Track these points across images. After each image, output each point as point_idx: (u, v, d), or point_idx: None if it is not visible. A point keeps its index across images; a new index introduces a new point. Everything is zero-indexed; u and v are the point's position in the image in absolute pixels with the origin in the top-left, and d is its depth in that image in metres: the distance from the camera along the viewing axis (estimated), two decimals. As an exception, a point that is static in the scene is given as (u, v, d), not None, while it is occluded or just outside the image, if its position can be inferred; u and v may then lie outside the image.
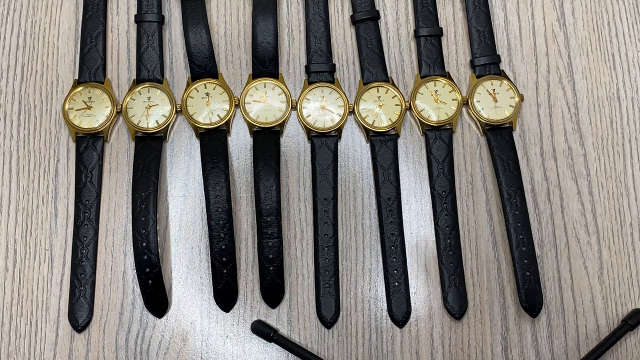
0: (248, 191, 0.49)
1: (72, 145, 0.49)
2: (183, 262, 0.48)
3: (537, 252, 0.48)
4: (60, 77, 0.51)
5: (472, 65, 0.51)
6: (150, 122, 0.49)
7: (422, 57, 0.51)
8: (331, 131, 0.49)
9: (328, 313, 0.47)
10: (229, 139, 0.50)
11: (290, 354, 0.46)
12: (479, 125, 0.50)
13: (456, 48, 0.52)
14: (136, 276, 0.46)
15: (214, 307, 0.47)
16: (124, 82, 0.51)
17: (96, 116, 0.49)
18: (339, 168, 0.49)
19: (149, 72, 0.50)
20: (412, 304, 0.47)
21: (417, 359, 0.46)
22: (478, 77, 0.51)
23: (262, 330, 0.46)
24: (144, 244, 0.46)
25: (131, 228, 0.46)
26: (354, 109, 0.50)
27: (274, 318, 0.47)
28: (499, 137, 0.50)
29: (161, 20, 0.51)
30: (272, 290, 0.47)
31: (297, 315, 0.47)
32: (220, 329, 0.47)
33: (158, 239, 0.46)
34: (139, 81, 0.50)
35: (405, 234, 0.48)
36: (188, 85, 0.50)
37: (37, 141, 0.50)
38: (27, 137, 0.50)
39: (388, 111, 0.50)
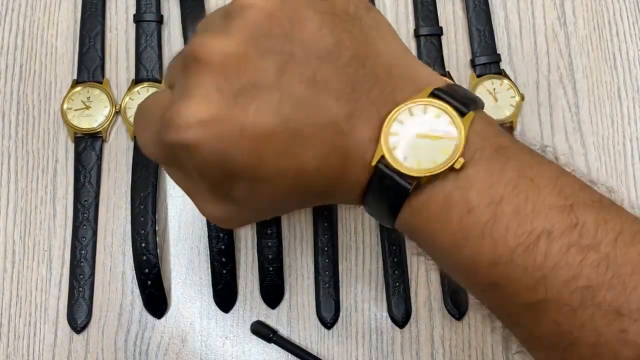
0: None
1: (71, 146, 0.49)
2: (182, 263, 0.48)
3: (538, 252, 0.48)
4: (58, 77, 0.51)
5: (473, 64, 0.51)
6: (149, 122, 0.49)
7: (422, 56, 0.51)
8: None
9: (328, 314, 0.46)
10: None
11: (290, 354, 0.46)
12: (480, 125, 0.50)
13: (456, 47, 0.52)
14: (135, 277, 0.46)
15: (213, 307, 0.47)
16: (123, 82, 0.51)
17: (95, 116, 0.49)
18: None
19: (148, 72, 0.50)
20: (412, 305, 0.47)
21: (418, 359, 0.46)
22: (478, 76, 0.50)
23: (261, 331, 0.46)
24: (143, 245, 0.45)
25: (130, 228, 0.46)
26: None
27: (274, 319, 0.47)
28: (500, 136, 0.49)
29: (160, 20, 0.51)
30: (272, 291, 0.47)
31: (296, 316, 0.47)
32: (220, 329, 0.47)
33: (157, 239, 0.46)
34: (137, 81, 0.50)
35: (405, 234, 0.48)
36: (187, 85, 0.50)
37: (36, 141, 0.49)
38: (26, 138, 0.49)
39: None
